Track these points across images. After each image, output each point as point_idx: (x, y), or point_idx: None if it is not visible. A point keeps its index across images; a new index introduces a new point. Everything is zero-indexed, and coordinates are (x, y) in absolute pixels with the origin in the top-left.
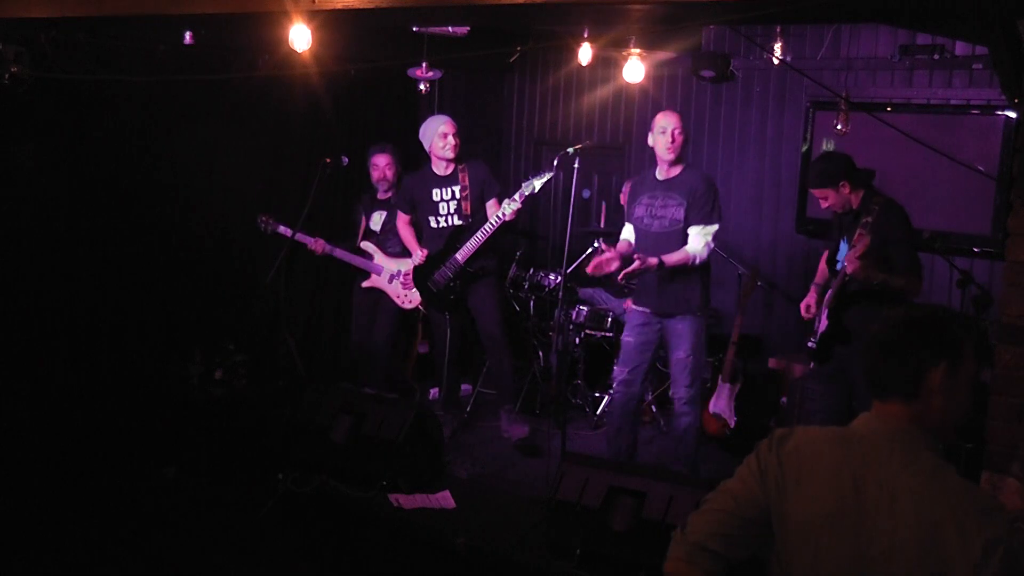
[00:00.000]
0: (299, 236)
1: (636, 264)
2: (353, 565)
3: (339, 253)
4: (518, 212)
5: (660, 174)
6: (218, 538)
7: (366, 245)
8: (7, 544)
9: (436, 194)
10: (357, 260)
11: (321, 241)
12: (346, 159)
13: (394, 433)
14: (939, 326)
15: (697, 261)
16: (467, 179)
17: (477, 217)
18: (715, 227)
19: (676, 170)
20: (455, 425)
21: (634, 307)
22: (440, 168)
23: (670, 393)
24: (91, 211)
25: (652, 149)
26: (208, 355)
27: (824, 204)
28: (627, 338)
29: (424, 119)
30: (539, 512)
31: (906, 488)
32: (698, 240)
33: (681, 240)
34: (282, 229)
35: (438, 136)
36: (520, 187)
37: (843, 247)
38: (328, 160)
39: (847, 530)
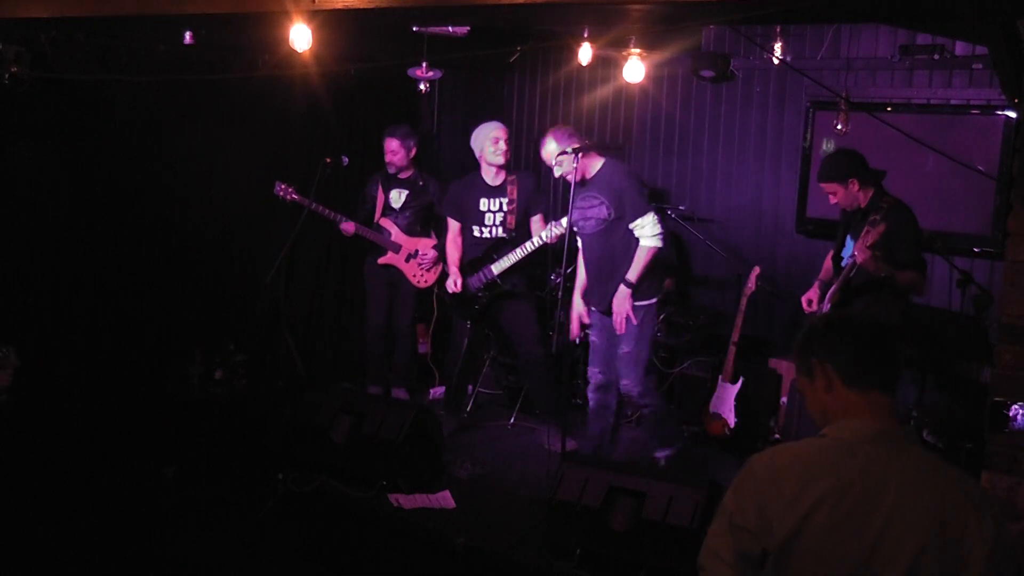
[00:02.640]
0: (321, 209)
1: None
2: (353, 565)
3: (363, 231)
4: (560, 237)
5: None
6: (218, 538)
7: (385, 222)
8: (7, 544)
9: (483, 204)
10: (375, 236)
11: (352, 224)
12: (346, 159)
13: (394, 433)
14: (897, 323)
15: (658, 246)
16: (515, 192)
17: (520, 231)
18: (650, 213)
19: (593, 168)
20: (455, 425)
21: (590, 307)
22: (490, 177)
23: (622, 386)
24: (91, 211)
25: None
26: (208, 355)
27: (832, 200)
28: (594, 338)
29: (424, 119)
30: (539, 512)
31: (914, 490)
32: (647, 231)
33: (611, 237)
34: (303, 200)
35: (490, 141)
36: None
37: (848, 244)
38: (328, 160)
39: (858, 547)
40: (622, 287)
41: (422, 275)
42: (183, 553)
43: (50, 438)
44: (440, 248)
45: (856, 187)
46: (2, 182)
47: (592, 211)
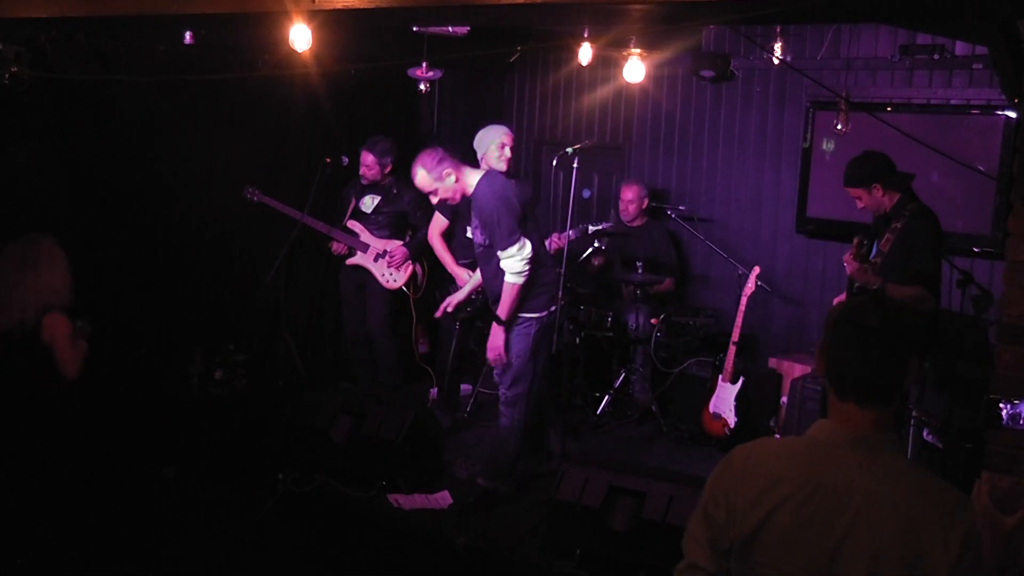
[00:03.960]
0: (273, 203)
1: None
2: (353, 565)
3: (319, 226)
4: (559, 248)
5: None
6: (218, 538)
7: (353, 224)
8: (7, 544)
9: None
10: (343, 236)
11: (297, 212)
12: (346, 159)
13: (394, 433)
14: (911, 319)
15: (521, 283)
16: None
17: None
18: (515, 245)
19: (470, 187)
20: (449, 423)
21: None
22: None
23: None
24: (91, 211)
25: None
26: (208, 355)
27: (859, 205)
28: None
29: (424, 119)
30: (539, 512)
31: (882, 496)
32: (509, 266)
33: (493, 259)
34: (269, 201)
35: (495, 145)
36: (578, 225)
37: (875, 249)
38: (328, 160)
39: (821, 548)
40: (494, 326)
41: (391, 275)
42: (183, 553)
43: (50, 437)
44: (412, 248)
45: (880, 192)
46: (2, 182)
47: (475, 233)
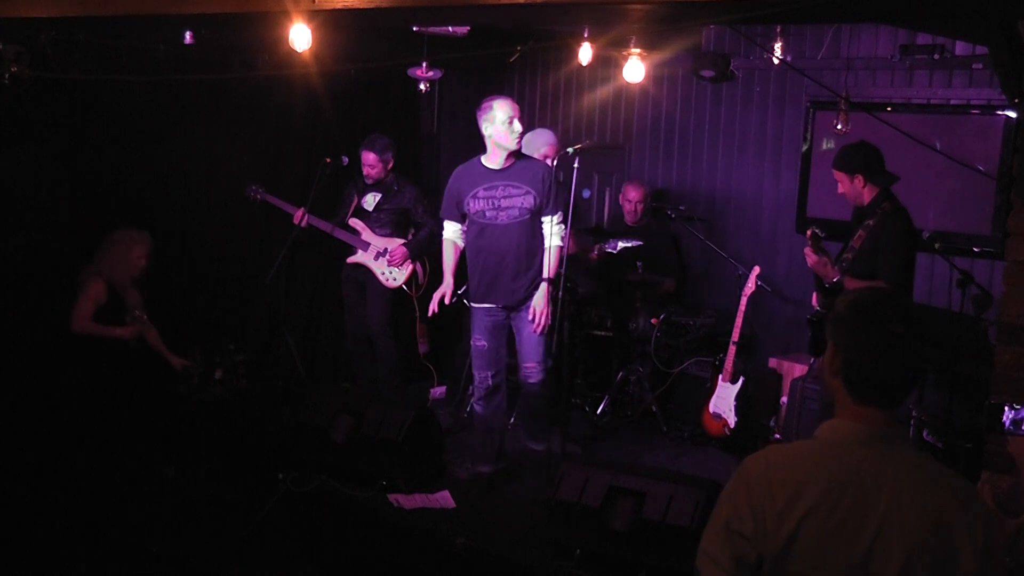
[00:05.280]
0: (276, 202)
1: (539, 314)
2: (353, 565)
3: (322, 225)
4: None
5: (494, 163)
6: (218, 538)
7: (354, 222)
8: (7, 544)
9: None
10: (344, 235)
11: (300, 211)
12: (346, 159)
13: (394, 433)
14: (918, 318)
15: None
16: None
17: None
18: (561, 214)
19: (512, 158)
20: (450, 423)
21: (478, 306)
22: None
23: (524, 369)
24: (91, 211)
25: (487, 137)
26: (208, 355)
27: (839, 189)
28: (481, 343)
29: (424, 119)
30: (539, 512)
31: (907, 490)
32: (559, 231)
33: (525, 230)
34: (272, 200)
35: (539, 155)
36: (610, 241)
37: (848, 244)
38: (328, 160)
39: (854, 549)
40: (544, 286)
41: (391, 274)
42: (183, 553)
43: (50, 437)
44: (413, 247)
45: (861, 183)
46: (2, 182)
47: (512, 200)
